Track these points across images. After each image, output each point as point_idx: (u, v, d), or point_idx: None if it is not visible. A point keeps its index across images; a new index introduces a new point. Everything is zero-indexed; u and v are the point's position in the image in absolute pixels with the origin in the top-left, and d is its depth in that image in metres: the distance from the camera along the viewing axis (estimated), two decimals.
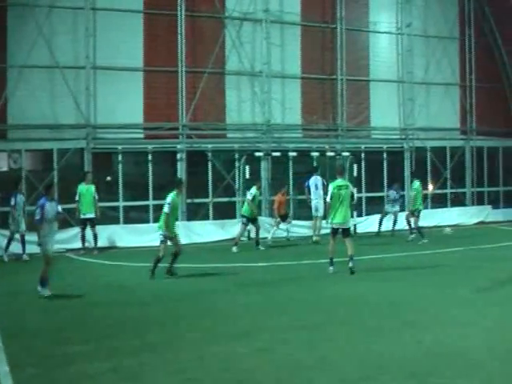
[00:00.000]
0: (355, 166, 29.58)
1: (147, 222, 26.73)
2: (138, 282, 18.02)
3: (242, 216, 25.16)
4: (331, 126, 31.02)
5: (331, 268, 18.60)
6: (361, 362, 10.09)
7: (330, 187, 19.02)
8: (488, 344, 10.94)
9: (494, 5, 34.30)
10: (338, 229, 18.91)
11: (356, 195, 19.55)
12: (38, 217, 15.94)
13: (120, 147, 26.79)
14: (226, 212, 28.53)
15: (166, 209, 18.46)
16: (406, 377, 9.38)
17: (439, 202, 33.23)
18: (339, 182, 19.05)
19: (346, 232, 19.00)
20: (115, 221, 26.49)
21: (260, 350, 10.82)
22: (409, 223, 26.97)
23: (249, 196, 24.91)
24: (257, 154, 28.45)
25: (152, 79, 27.38)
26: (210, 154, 28.27)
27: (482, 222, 33.11)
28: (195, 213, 27.83)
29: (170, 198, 18.62)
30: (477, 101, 34.38)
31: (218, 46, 28.00)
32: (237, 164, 28.67)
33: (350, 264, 18.38)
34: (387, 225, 28.53)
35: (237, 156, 28.80)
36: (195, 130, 28.12)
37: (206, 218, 27.94)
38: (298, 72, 30.19)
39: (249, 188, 25.95)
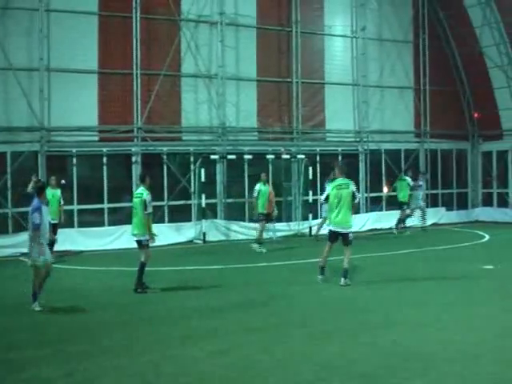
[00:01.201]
0: (310, 169, 29.69)
1: (102, 225, 26.60)
2: (92, 287, 17.89)
3: (259, 214, 25.21)
4: (287, 129, 31.12)
5: (320, 277, 17.30)
6: (316, 363, 10.12)
7: (329, 188, 17.46)
8: (441, 345, 11.06)
9: (448, 9, 34.72)
10: (335, 233, 17.09)
11: (359, 195, 17.68)
12: (37, 221, 14.41)
13: (74, 150, 26.53)
14: (181, 215, 28.43)
15: (149, 209, 16.87)
16: (359, 378, 9.45)
17: (394, 204, 33.42)
18: (339, 181, 17.24)
19: (345, 238, 17.06)
20: (70, 224, 26.19)
21: (216, 353, 10.81)
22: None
23: (254, 193, 25.15)
24: (212, 156, 28.40)
25: (107, 81, 27.20)
26: (165, 157, 28.17)
27: (436, 224, 33.45)
28: None
29: (148, 195, 17.01)
30: (431, 104, 34.72)
31: (174, 48, 27.88)
32: (192, 167, 28.58)
33: (342, 281, 16.86)
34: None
35: (192, 159, 28.71)
36: (150, 133, 27.99)
37: (161, 221, 27.80)
38: (253, 75, 30.23)
39: (204, 191, 26.19)
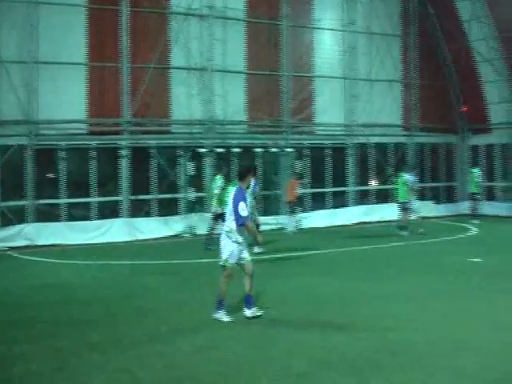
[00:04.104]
0: (298, 162, 29.71)
1: (89, 219, 26.52)
2: (80, 281, 17.83)
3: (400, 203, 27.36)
4: (275, 122, 31.09)
5: None
6: (306, 358, 10.14)
7: None
8: (429, 338, 11.10)
9: (436, 3, 34.76)
10: None
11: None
12: (246, 213, 12.49)
13: (63, 143, 26.41)
14: (169, 208, 28.37)
15: (216, 190, 22.20)
16: (350, 371, 9.47)
17: (382, 197, 33.47)
18: None
19: None
20: (57, 218, 26.13)
21: (204, 348, 10.81)
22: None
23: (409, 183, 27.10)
24: (200, 150, 28.34)
25: (95, 74, 27.08)
26: (153, 151, 28.06)
27: (424, 217, 33.48)
28: (139, 209, 27.62)
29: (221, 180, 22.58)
30: (419, 97, 34.78)
31: (162, 41, 27.82)
32: (181, 160, 28.51)
33: None
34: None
35: (181, 152, 28.63)
36: (139, 126, 27.93)
37: (149, 214, 27.78)
38: (242, 68, 30.18)
39: (193, 184, 26.23)
